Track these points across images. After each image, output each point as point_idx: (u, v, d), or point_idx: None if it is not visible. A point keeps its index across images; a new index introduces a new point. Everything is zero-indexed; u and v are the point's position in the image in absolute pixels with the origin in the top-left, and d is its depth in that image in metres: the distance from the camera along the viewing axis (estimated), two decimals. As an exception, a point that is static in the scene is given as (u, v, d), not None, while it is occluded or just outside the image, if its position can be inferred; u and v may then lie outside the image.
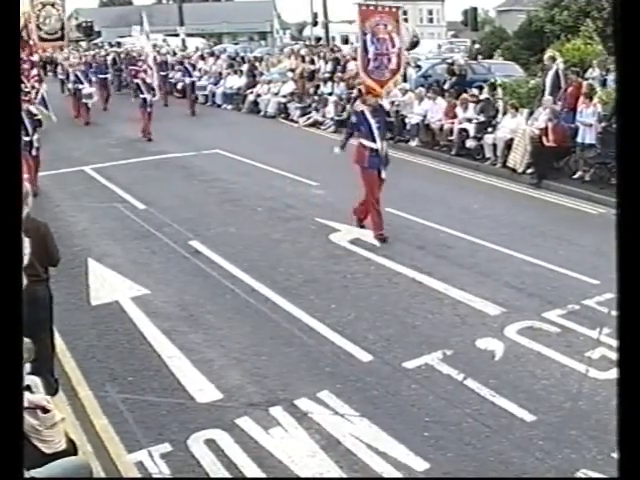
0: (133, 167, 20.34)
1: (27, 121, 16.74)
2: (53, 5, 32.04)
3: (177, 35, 52.88)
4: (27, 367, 6.87)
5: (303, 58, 32.30)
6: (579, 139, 17.47)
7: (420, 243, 13.13)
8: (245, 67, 34.37)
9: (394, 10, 16.58)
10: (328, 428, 7.44)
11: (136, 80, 28.23)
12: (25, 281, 7.27)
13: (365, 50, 15.90)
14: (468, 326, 9.77)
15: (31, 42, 19.22)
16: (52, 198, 16.70)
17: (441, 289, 11.03)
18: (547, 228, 14.12)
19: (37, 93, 19.49)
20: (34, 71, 19.60)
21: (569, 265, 11.64)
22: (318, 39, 41.34)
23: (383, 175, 13.59)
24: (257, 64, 35.23)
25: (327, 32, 39.04)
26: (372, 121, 13.51)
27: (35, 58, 20.50)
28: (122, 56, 42.30)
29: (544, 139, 17.89)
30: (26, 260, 7.15)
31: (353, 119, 14.32)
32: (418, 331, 9.66)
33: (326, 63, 30.64)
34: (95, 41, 67.29)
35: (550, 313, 10.05)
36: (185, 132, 25.78)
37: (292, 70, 31.14)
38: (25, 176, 15.28)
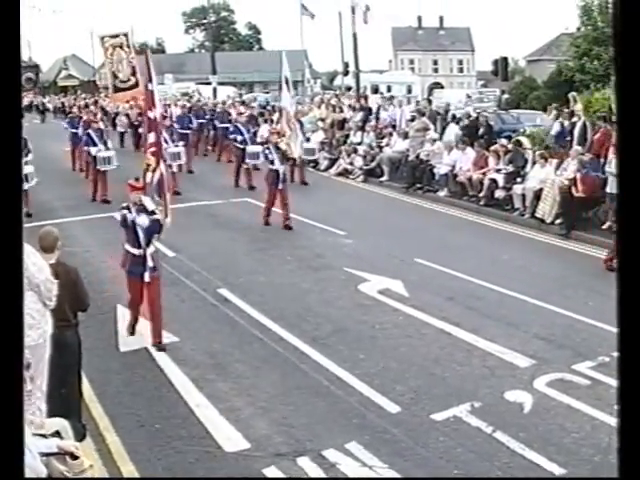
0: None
1: (138, 223, 10.96)
2: (122, 47, 30.11)
3: (209, 84, 53.55)
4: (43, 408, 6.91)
5: (334, 108, 32.49)
6: (608, 189, 17.37)
7: (449, 294, 13.09)
8: (276, 116, 34.57)
9: None
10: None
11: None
12: (54, 325, 7.34)
13: None
14: (497, 378, 9.71)
15: (150, 88, 11.97)
16: (83, 244, 16.82)
17: (470, 340, 10.97)
18: (577, 279, 14.05)
19: (154, 173, 11.57)
20: (151, 137, 11.88)
21: (599, 316, 11.53)
22: (349, 88, 41.65)
23: None
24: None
25: (358, 82, 39.30)
26: None
27: (156, 114, 12.05)
28: (217, 108, 35.58)
29: (573, 189, 17.86)
30: (54, 302, 7.21)
31: None
32: (447, 383, 9.61)
33: (356, 112, 30.83)
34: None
35: (580, 365, 9.96)
36: (213, 180, 25.84)
37: (322, 119, 31.31)
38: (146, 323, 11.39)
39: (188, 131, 29.34)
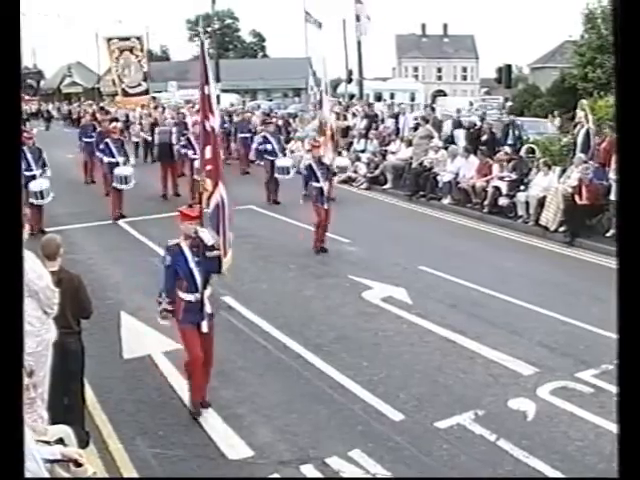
0: (166, 221, 20.39)
1: (195, 268, 8.97)
2: (131, 51, 28.27)
3: (213, 91, 53.57)
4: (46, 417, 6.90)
5: (337, 115, 32.49)
6: (612, 197, 17.37)
7: (452, 301, 13.08)
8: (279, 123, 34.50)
9: None
10: (359, 487, 7.39)
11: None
12: (57, 332, 7.35)
13: None
14: (501, 386, 9.70)
15: (207, 92, 9.36)
16: (86, 251, 16.83)
17: (473, 348, 10.96)
18: (580, 286, 14.03)
19: (210, 198, 9.33)
20: (208, 152, 9.45)
21: (603, 324, 11.51)
22: (352, 96, 41.67)
23: None
24: (291, 121, 35.38)
25: (361, 89, 39.33)
26: None
27: (213, 124, 9.35)
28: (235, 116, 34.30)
29: (577, 197, 17.85)
30: (56, 310, 7.23)
31: None
32: (450, 390, 9.60)
33: (360, 120, 30.85)
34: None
35: (584, 373, 9.95)
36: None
37: (325, 127, 31.25)
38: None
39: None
